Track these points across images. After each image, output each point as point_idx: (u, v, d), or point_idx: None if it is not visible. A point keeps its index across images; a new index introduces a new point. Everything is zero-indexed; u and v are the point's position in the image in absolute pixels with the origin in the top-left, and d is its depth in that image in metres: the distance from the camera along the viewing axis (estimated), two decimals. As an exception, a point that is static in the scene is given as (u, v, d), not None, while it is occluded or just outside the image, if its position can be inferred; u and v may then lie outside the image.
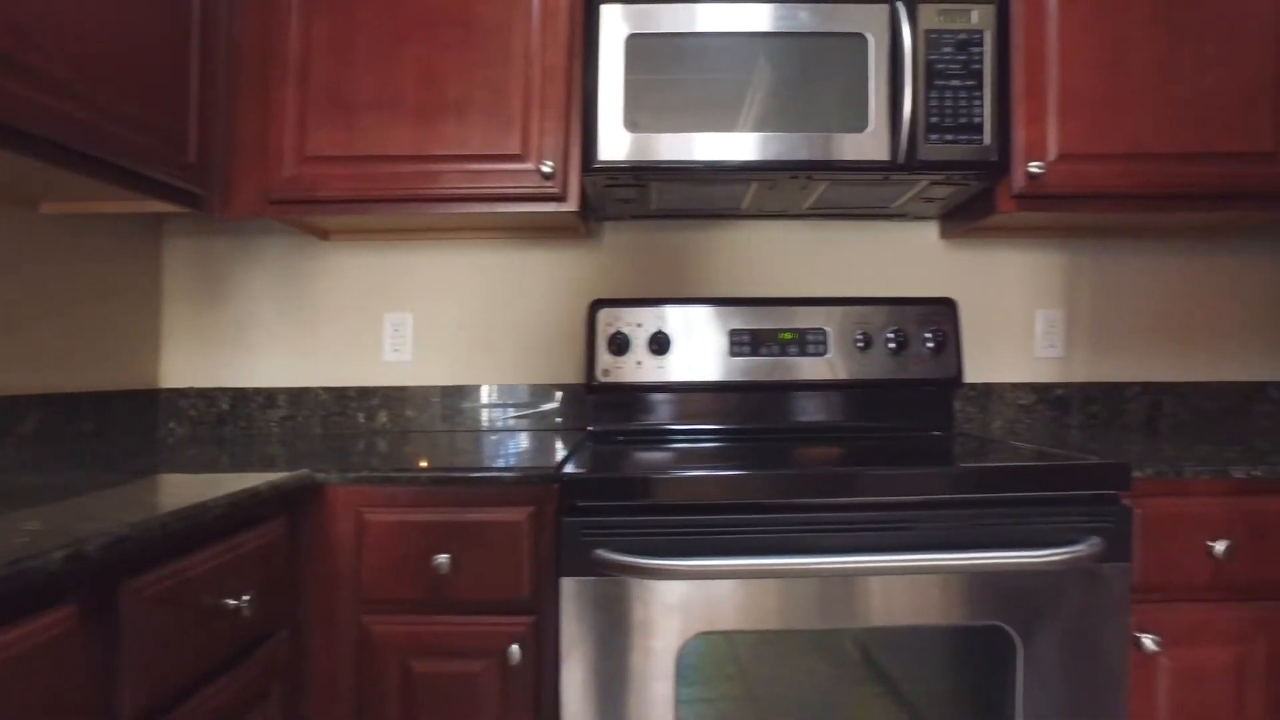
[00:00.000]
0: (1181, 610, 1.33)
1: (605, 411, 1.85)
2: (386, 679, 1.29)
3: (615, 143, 1.56)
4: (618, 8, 1.56)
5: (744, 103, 1.56)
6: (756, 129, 1.56)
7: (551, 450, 1.55)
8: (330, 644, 1.31)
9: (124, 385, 1.86)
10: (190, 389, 1.98)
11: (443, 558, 1.27)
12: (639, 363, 1.82)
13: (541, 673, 1.30)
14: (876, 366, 1.83)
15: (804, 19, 1.56)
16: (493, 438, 1.80)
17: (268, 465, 1.34)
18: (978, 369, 2.02)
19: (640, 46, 1.55)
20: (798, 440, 1.71)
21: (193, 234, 2.00)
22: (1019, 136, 1.63)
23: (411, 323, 2.00)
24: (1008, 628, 1.21)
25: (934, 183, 1.66)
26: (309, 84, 1.64)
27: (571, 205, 1.65)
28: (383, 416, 1.98)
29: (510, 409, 1.98)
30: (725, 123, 1.56)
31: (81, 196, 1.55)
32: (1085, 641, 1.22)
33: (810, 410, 1.86)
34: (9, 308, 1.55)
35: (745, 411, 1.86)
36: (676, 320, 1.83)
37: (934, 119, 1.58)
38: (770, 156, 1.57)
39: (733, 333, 1.84)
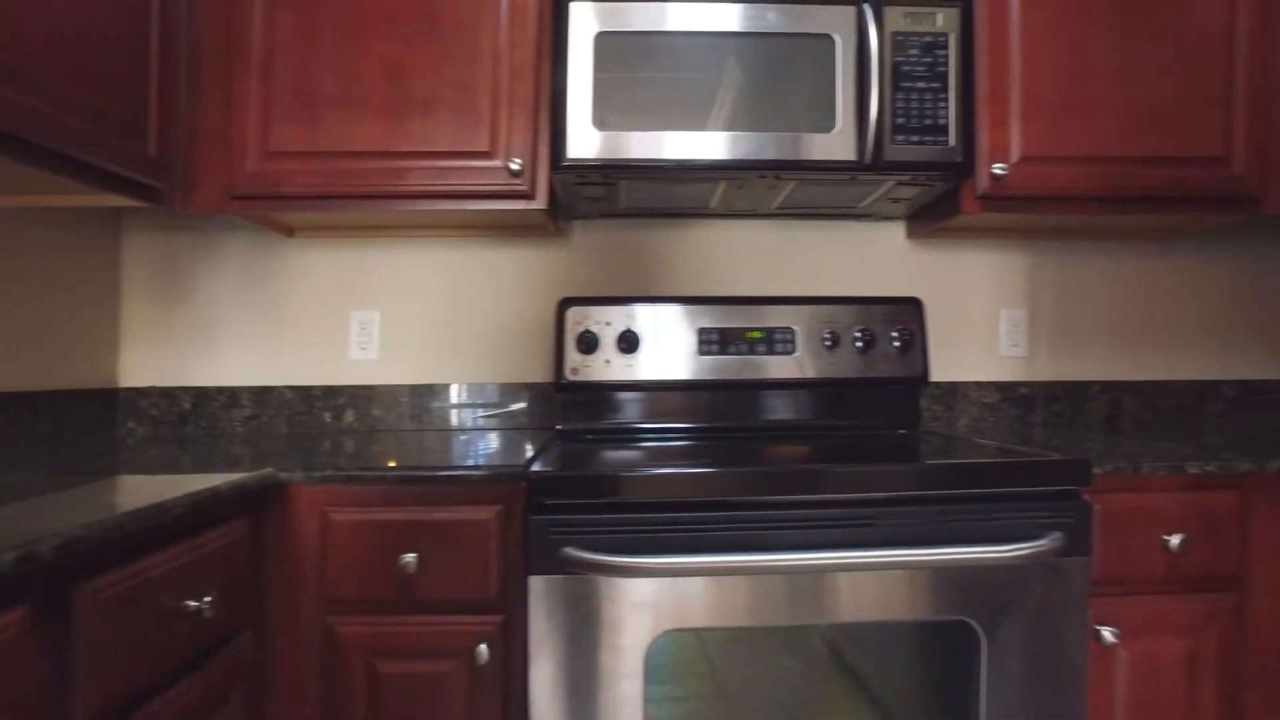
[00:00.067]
0: (1139, 603, 1.36)
1: (574, 410, 1.85)
2: (352, 680, 1.27)
3: (584, 141, 1.55)
4: (587, 5, 1.55)
5: (714, 102, 1.56)
6: (726, 128, 1.57)
7: (520, 449, 1.54)
8: (295, 645, 1.29)
9: (81, 384, 1.82)
10: (151, 388, 1.94)
11: (409, 557, 1.26)
12: (608, 361, 1.82)
13: (510, 672, 1.29)
14: (844, 365, 1.85)
15: (772, 19, 1.57)
16: (461, 437, 1.79)
17: (231, 465, 1.32)
18: (943, 368, 2.05)
19: (609, 45, 1.55)
20: (766, 438, 1.72)
21: (153, 229, 1.96)
22: (983, 138, 1.66)
23: (378, 321, 1.98)
24: (972, 622, 1.23)
25: (900, 183, 1.68)
26: (273, 78, 1.61)
27: (540, 203, 1.64)
28: (349, 416, 1.96)
29: (479, 408, 1.97)
30: (694, 122, 1.57)
31: (35, 190, 1.51)
32: (1047, 635, 1.24)
33: (778, 409, 1.88)
34: (-40, 304, 1.51)
35: (714, 410, 1.87)
36: (645, 319, 1.84)
37: (900, 120, 1.59)
38: (739, 156, 1.57)
39: (701, 331, 1.84)
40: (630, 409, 1.85)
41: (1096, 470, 1.33)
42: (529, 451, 1.49)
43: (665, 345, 1.83)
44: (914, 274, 2.05)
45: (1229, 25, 1.69)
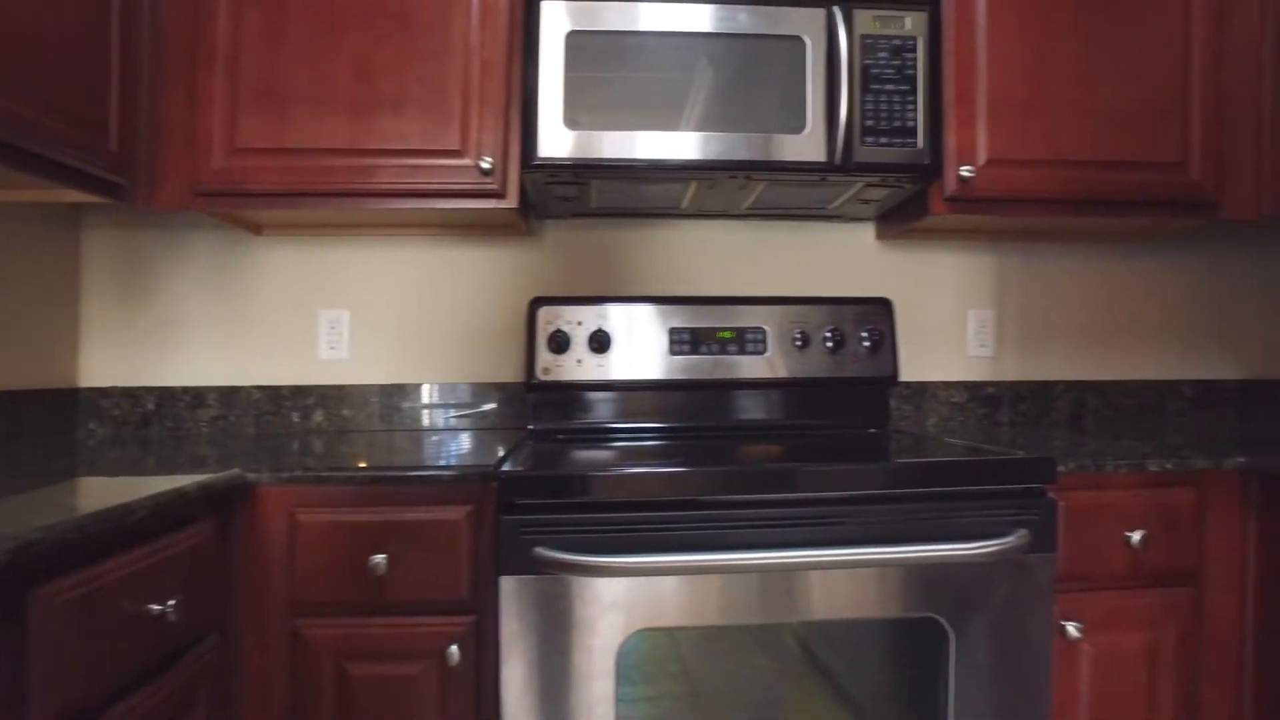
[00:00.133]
0: (1101, 598, 1.39)
1: (545, 410, 1.84)
2: (321, 683, 1.26)
3: (555, 140, 1.55)
4: (559, 4, 1.55)
5: (685, 102, 1.57)
6: (698, 129, 1.57)
7: (491, 449, 1.53)
8: (262, 648, 1.28)
9: (39, 384, 1.78)
10: (113, 388, 1.90)
11: (379, 558, 1.25)
12: (579, 361, 1.81)
13: (481, 673, 1.29)
14: (814, 365, 1.86)
15: (743, 20, 1.58)
16: (432, 437, 1.77)
17: (197, 466, 1.30)
18: (912, 368, 2.07)
19: (581, 44, 1.55)
20: (737, 438, 1.73)
21: (115, 226, 1.92)
22: (950, 141, 1.68)
23: (348, 320, 1.96)
24: (941, 619, 1.25)
25: (869, 184, 1.69)
26: (239, 74, 1.59)
27: (511, 202, 1.64)
28: (318, 416, 1.93)
29: (450, 408, 1.96)
30: (666, 122, 1.57)
31: (-10, 184, 1.48)
32: (1013, 630, 1.26)
33: (750, 408, 1.88)
34: (-87, 302, 1.47)
35: (685, 410, 1.87)
36: (617, 318, 1.84)
37: (869, 122, 1.61)
38: (710, 156, 1.58)
39: (673, 331, 1.84)
40: (602, 409, 1.85)
41: (1061, 468, 1.35)
42: (500, 451, 1.48)
43: (637, 345, 1.83)
44: (883, 275, 2.07)
45: (1185, 34, 1.73)
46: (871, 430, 1.86)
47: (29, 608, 0.83)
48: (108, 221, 1.92)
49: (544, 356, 1.81)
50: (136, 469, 1.29)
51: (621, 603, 1.20)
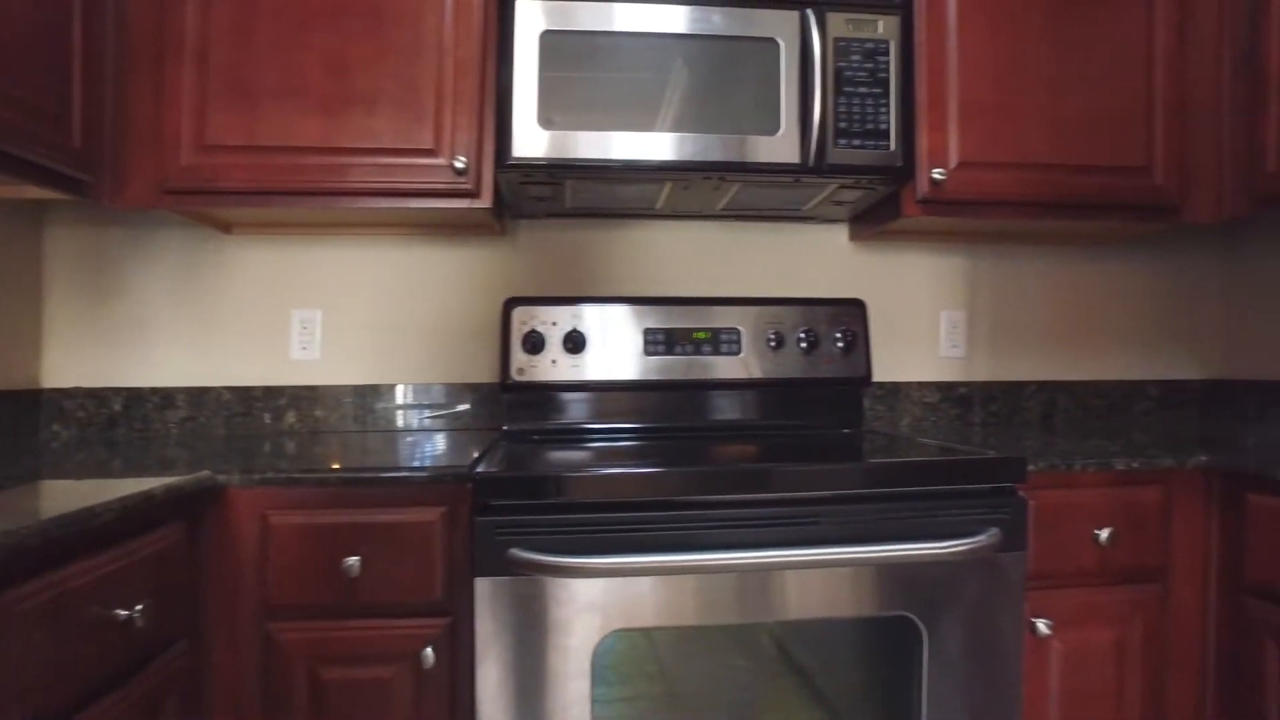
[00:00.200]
0: (1071, 595, 1.41)
1: (520, 411, 1.83)
2: (294, 688, 1.24)
3: (530, 140, 1.54)
4: (533, 3, 1.54)
5: (660, 103, 1.57)
6: (673, 130, 1.57)
7: (465, 450, 1.52)
8: (233, 653, 1.26)
9: None
10: (77, 389, 1.86)
11: (353, 560, 1.24)
12: (554, 361, 1.81)
13: (456, 675, 1.28)
14: (788, 366, 1.87)
15: (718, 22, 1.59)
16: (407, 438, 1.76)
17: (165, 468, 1.28)
18: (886, 368, 2.09)
19: (555, 43, 1.55)
20: (712, 438, 1.73)
21: (80, 224, 1.89)
22: (922, 143, 1.70)
23: (320, 320, 1.93)
24: (914, 617, 1.26)
25: (843, 186, 1.71)
26: (208, 69, 1.57)
27: (485, 202, 1.63)
28: (290, 417, 1.91)
29: (424, 409, 1.94)
30: (641, 122, 1.57)
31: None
32: (985, 627, 1.27)
33: (724, 408, 1.89)
34: None
35: (660, 410, 1.87)
36: (592, 319, 1.83)
37: (843, 124, 1.62)
38: (685, 157, 1.58)
39: (647, 332, 1.84)
40: (577, 409, 1.85)
41: (1031, 468, 1.37)
42: (475, 452, 1.48)
43: (612, 345, 1.83)
44: (857, 276, 2.09)
45: (1148, 43, 1.77)
46: (846, 430, 1.88)
47: (-10, 614, 0.81)
48: (72, 219, 1.88)
49: (519, 357, 1.80)
50: (102, 471, 1.27)
51: (597, 603, 1.19)
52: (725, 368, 1.85)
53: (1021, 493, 1.31)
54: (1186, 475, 1.45)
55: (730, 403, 1.89)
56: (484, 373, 1.98)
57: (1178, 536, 1.45)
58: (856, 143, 1.63)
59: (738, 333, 1.87)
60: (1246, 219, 1.80)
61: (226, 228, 1.90)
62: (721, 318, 1.87)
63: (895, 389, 2.07)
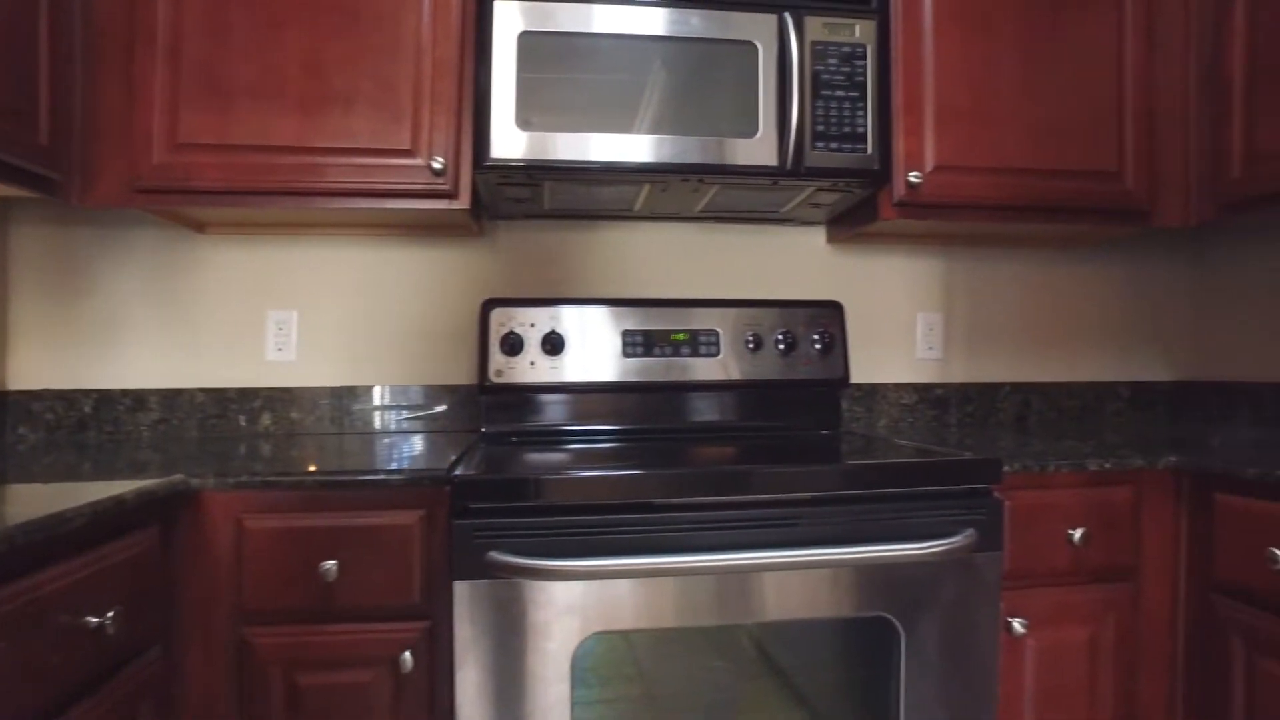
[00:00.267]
0: (1045, 594, 1.43)
1: (498, 413, 1.83)
2: (270, 694, 1.23)
3: (508, 141, 1.54)
4: (512, 4, 1.54)
5: (638, 105, 1.57)
6: (651, 132, 1.57)
7: (443, 452, 1.51)
8: (207, 659, 1.24)
9: (-33, 387, 1.70)
10: (46, 390, 1.83)
11: (330, 564, 1.22)
12: (532, 363, 1.80)
13: (435, 679, 1.27)
14: (767, 367, 1.88)
15: (696, 25, 1.59)
16: (384, 440, 1.75)
17: (138, 471, 1.26)
18: (863, 370, 2.10)
19: (533, 44, 1.54)
20: (691, 440, 1.74)
21: (48, 222, 1.85)
22: (899, 147, 1.71)
23: (296, 321, 1.91)
24: (892, 617, 1.27)
25: (821, 189, 1.72)
26: (180, 66, 1.54)
27: (463, 203, 1.62)
28: (266, 419, 1.89)
29: (401, 410, 1.93)
30: (619, 124, 1.57)
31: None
32: (962, 627, 1.28)
33: (703, 410, 1.89)
34: None
35: (639, 412, 1.87)
36: (570, 320, 1.83)
37: (820, 127, 1.63)
38: (663, 159, 1.58)
39: (626, 333, 1.84)
40: (555, 411, 1.84)
41: (1006, 469, 1.39)
42: (453, 455, 1.47)
43: (590, 347, 1.83)
44: (834, 278, 2.10)
45: (1118, 51, 1.80)
46: (824, 431, 1.89)
47: (-43, 623, 0.80)
48: (39, 217, 1.85)
49: (497, 359, 1.79)
50: (72, 475, 1.24)
51: (576, 606, 1.19)
52: (704, 369, 1.86)
53: (997, 494, 1.33)
54: (1157, 475, 1.48)
55: (709, 404, 1.90)
56: (462, 374, 1.97)
57: (1148, 536, 1.48)
58: (834, 146, 1.64)
59: (716, 334, 1.88)
60: (1213, 224, 1.84)
61: (200, 227, 1.87)
62: (700, 319, 1.88)
63: (873, 390, 2.09)
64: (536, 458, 1.46)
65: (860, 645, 1.30)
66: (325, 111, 1.57)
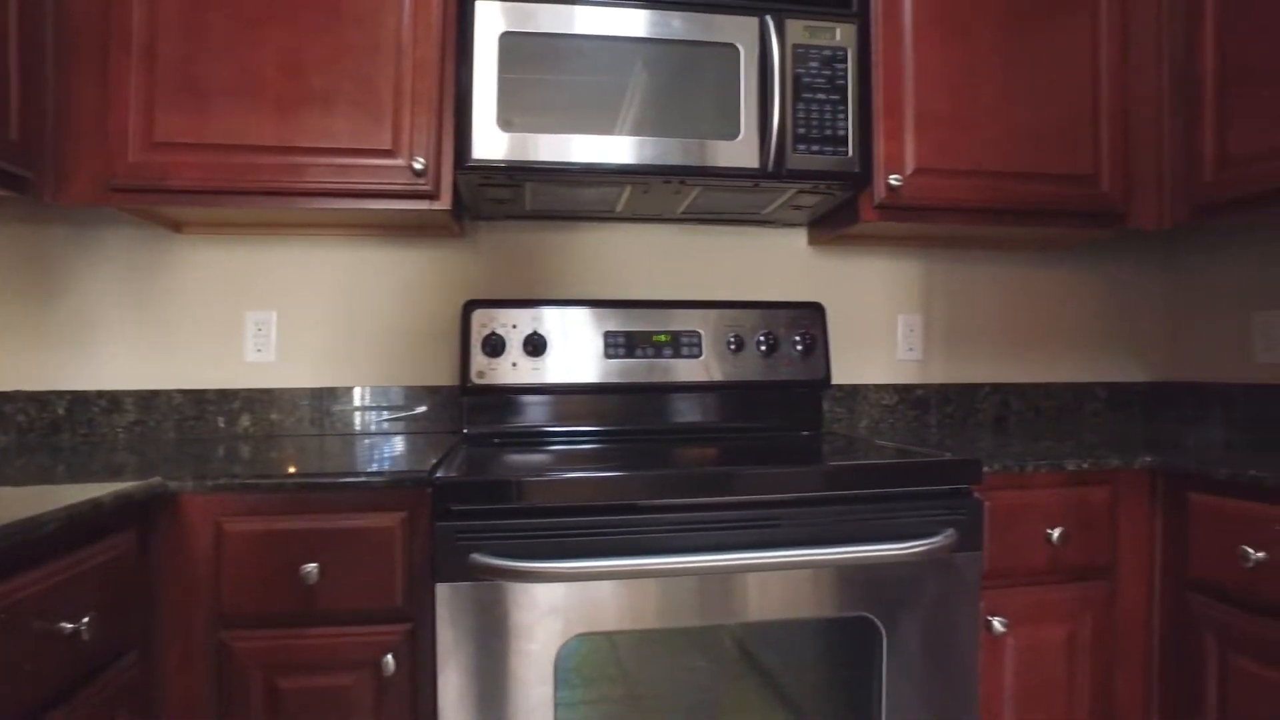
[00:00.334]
0: (1024, 593, 1.44)
1: (480, 414, 1.82)
2: (250, 698, 1.22)
3: (489, 141, 1.53)
4: (493, 4, 1.53)
5: (620, 106, 1.57)
6: (633, 133, 1.57)
7: (425, 454, 1.50)
8: (186, 664, 1.23)
9: (-63, 389, 1.67)
10: (17, 392, 1.80)
11: (310, 567, 1.21)
12: (514, 364, 1.80)
13: (418, 682, 1.26)
14: (748, 368, 1.89)
15: (678, 27, 1.59)
16: (365, 441, 1.73)
17: (114, 474, 1.24)
18: (844, 371, 2.11)
19: (514, 45, 1.54)
20: (673, 441, 1.74)
21: (21, 221, 1.82)
22: (879, 150, 1.72)
23: (275, 321, 1.89)
24: (873, 617, 1.28)
25: (802, 191, 1.72)
26: (157, 63, 1.52)
27: (444, 204, 1.61)
28: (245, 420, 1.87)
29: (382, 411, 1.92)
30: (601, 126, 1.57)
31: None
32: (943, 626, 1.29)
33: (685, 411, 1.90)
34: None
35: (621, 413, 1.87)
36: (552, 322, 1.83)
37: (801, 130, 1.64)
38: (645, 160, 1.58)
39: (608, 334, 1.84)
40: (537, 412, 1.84)
41: (986, 469, 1.40)
42: (434, 456, 1.46)
43: (572, 348, 1.82)
44: (816, 279, 2.11)
45: (1094, 56, 1.83)
46: (805, 432, 1.90)
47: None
48: (10, 216, 1.82)
49: (479, 360, 1.79)
50: (46, 478, 1.23)
51: (559, 608, 1.19)
52: (686, 370, 1.86)
53: (977, 494, 1.34)
54: (1133, 475, 1.50)
55: (691, 405, 1.90)
56: (443, 375, 1.96)
57: (1124, 535, 1.50)
58: (815, 148, 1.64)
59: (698, 336, 1.88)
60: (1187, 227, 1.87)
61: (177, 227, 1.85)
62: (682, 321, 1.88)
63: (854, 391, 2.10)
64: (519, 459, 1.45)
65: (842, 645, 1.31)
66: (305, 111, 1.55)
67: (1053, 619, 1.45)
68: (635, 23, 1.58)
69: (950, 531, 1.26)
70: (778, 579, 1.25)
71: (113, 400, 1.82)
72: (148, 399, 1.84)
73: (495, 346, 1.79)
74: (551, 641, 1.19)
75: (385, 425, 1.91)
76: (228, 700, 1.22)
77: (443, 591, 1.17)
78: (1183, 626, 1.43)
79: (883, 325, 2.13)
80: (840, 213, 1.87)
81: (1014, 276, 2.20)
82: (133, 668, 1.15)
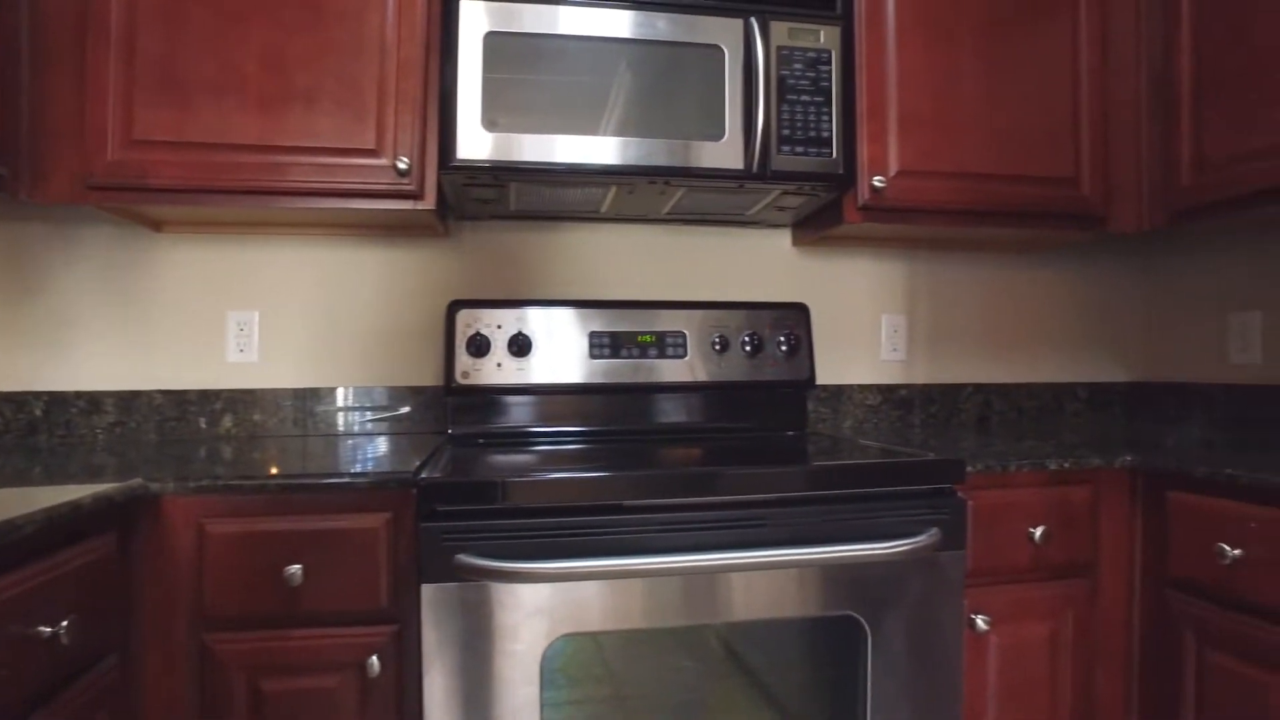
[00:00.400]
0: (1007, 591, 1.46)
1: (465, 414, 1.81)
2: (233, 701, 1.20)
3: (474, 141, 1.53)
4: (477, 4, 1.53)
5: (605, 107, 1.57)
6: (617, 134, 1.57)
7: (410, 454, 1.50)
8: (168, 668, 1.21)
9: (-89, 390, 1.65)
10: (-6, 393, 1.77)
11: (295, 569, 1.20)
12: (499, 364, 1.79)
13: (403, 683, 1.26)
14: (733, 369, 1.89)
15: (662, 28, 1.59)
16: (348, 442, 1.72)
17: (93, 476, 1.23)
18: (829, 371, 2.12)
19: (499, 45, 1.53)
20: (658, 441, 1.74)
21: (-4, 220, 1.80)
22: (863, 152, 1.73)
23: (258, 321, 1.88)
24: (858, 616, 1.28)
25: (786, 192, 1.73)
26: (136, 59, 1.50)
27: (429, 203, 1.61)
28: (227, 421, 1.85)
29: (366, 412, 1.90)
30: (586, 126, 1.57)
31: None
32: (927, 625, 1.30)
33: (670, 411, 1.90)
34: None
35: (606, 413, 1.87)
36: (537, 322, 1.82)
37: (785, 131, 1.64)
38: (630, 161, 1.58)
39: (593, 335, 1.84)
40: (522, 413, 1.83)
41: (969, 469, 1.41)
42: (419, 457, 1.45)
43: (557, 348, 1.82)
44: (800, 280, 2.12)
45: (1074, 61, 1.85)
46: (790, 432, 1.90)
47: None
48: (-13, 214, 1.79)
49: (463, 360, 1.78)
50: (22, 480, 1.21)
51: (545, 608, 1.19)
52: (670, 371, 1.86)
53: (960, 493, 1.35)
54: (1114, 474, 1.51)
55: (676, 406, 1.90)
56: (427, 376, 1.95)
57: (1105, 533, 1.51)
58: (799, 150, 1.65)
59: (683, 336, 1.88)
60: (1165, 230, 1.89)
61: (157, 226, 1.83)
62: (667, 321, 1.88)
63: (838, 391, 2.11)
64: (504, 460, 1.45)
65: (827, 644, 1.31)
66: (287, 109, 1.54)
67: (1035, 617, 1.47)
68: (620, 23, 1.58)
69: (934, 531, 1.27)
70: (763, 578, 1.26)
71: (92, 401, 1.80)
72: (128, 400, 1.81)
73: (480, 347, 1.78)
74: (537, 642, 1.18)
75: (369, 426, 1.90)
76: (210, 703, 1.21)
77: (428, 592, 1.16)
78: (1162, 623, 1.45)
79: (867, 326, 2.15)
80: (824, 214, 1.88)
81: (996, 278, 2.22)
82: (113, 671, 1.14)
